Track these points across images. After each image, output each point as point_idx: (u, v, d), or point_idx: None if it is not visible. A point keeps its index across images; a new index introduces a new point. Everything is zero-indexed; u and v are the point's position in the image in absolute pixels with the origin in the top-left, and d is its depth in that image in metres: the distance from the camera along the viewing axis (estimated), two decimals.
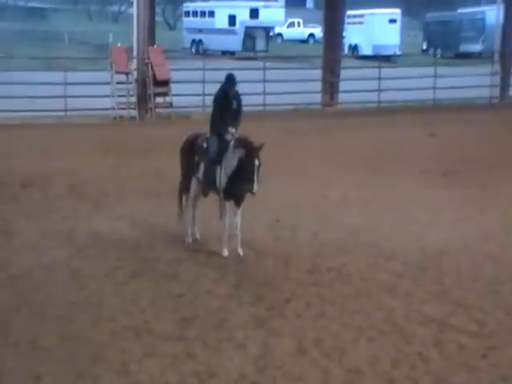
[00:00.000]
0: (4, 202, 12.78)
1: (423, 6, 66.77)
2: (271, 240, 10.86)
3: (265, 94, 24.58)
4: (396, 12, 50.78)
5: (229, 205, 10.00)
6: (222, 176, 9.89)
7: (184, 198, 10.63)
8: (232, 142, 9.85)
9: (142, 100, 23.26)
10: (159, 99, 23.74)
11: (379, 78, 26.44)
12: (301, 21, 61.53)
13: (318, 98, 25.89)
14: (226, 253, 10.00)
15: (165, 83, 23.50)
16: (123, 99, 23.33)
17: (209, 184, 10.14)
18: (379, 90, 26.28)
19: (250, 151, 9.49)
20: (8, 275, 9.37)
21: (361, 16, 48.46)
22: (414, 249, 10.51)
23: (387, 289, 9.05)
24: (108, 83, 23.27)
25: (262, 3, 51.86)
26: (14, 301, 8.59)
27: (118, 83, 23.37)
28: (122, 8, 70.20)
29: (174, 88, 23.49)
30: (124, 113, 23.22)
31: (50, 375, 6.91)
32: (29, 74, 24.05)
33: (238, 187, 9.79)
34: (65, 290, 8.95)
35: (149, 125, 22.65)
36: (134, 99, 23.35)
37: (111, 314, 8.24)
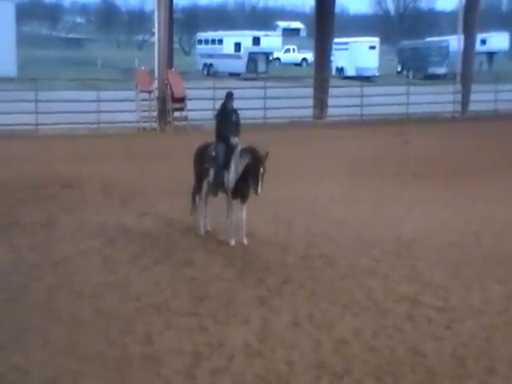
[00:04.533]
0: (47, 200, 12.77)
1: (398, 35, 66.76)
2: (271, 232, 10.83)
3: (265, 108, 24.54)
4: (375, 40, 50.61)
5: (235, 202, 10.01)
6: (229, 178, 9.90)
7: (197, 197, 10.61)
8: (238, 150, 9.83)
9: (162, 114, 23.19)
10: (176, 113, 23.65)
11: (361, 95, 26.36)
12: (295, 47, 61.41)
13: (309, 112, 25.81)
14: (233, 242, 9.97)
15: (181, 100, 23.42)
16: (146, 114, 23.29)
17: (218, 186, 10.15)
18: (361, 106, 26.20)
19: (257, 159, 9.49)
20: (51, 260, 9.39)
21: (346, 43, 48.24)
22: (391, 238, 10.49)
23: (368, 272, 9.03)
24: (133, 100, 23.26)
25: (262, 33, 51.84)
26: (56, 282, 8.61)
27: (142, 100, 23.33)
28: (146, 37, 70.10)
29: (189, 104, 23.45)
30: (147, 125, 23.18)
31: (86, 344, 6.92)
32: (68, 93, 24.04)
33: (243, 188, 9.81)
34: (98, 273, 8.96)
35: (168, 135, 22.60)
36: (155, 114, 23.30)
37: (136, 293, 8.24)
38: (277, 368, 6.51)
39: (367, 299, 8.09)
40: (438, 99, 26.46)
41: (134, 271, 9.00)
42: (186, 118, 23.77)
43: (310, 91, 26.45)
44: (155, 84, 23.40)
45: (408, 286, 8.54)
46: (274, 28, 69.09)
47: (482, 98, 27.06)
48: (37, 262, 9.34)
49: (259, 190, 9.44)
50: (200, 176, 10.44)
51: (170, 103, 23.11)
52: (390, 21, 79.53)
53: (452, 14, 50.16)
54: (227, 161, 9.91)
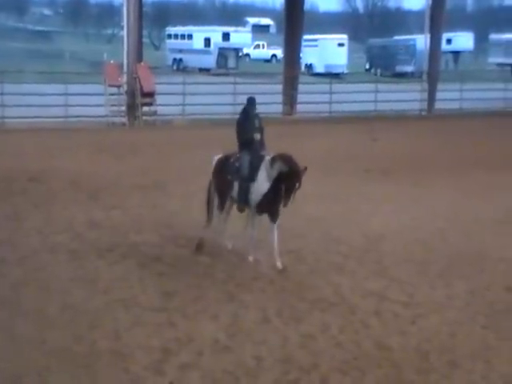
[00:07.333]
0: (14, 194, 12.60)
1: (366, 33, 67.24)
2: (241, 228, 10.79)
3: (235, 104, 24.49)
4: (344, 37, 50.91)
5: (259, 219, 9.14)
6: (255, 192, 8.94)
7: (220, 214, 9.47)
8: (268, 159, 8.91)
9: (131, 109, 23.01)
10: (146, 108, 23.50)
11: (330, 92, 26.52)
12: (265, 43, 61.42)
13: (279, 108, 25.86)
14: (251, 259, 9.14)
15: (150, 95, 23.27)
16: (115, 108, 23.09)
17: (243, 201, 9.17)
18: (330, 102, 26.35)
19: (294, 173, 8.63)
20: (18, 255, 9.26)
21: (315, 40, 48.40)
22: (359, 234, 10.57)
23: (336, 267, 9.09)
24: (102, 94, 23.04)
25: (232, 28, 51.79)
26: (22, 277, 8.50)
27: (111, 94, 23.13)
28: (115, 31, 69.33)
29: (159, 99, 23.31)
30: (115, 120, 22.99)
31: (53, 340, 6.85)
32: (35, 86, 23.68)
33: (274, 202, 8.85)
34: (65, 268, 8.86)
35: (137, 130, 22.43)
36: (124, 108, 23.12)
37: (105, 288, 8.19)
38: (245, 363, 6.52)
39: (335, 295, 8.15)
40: (405, 97, 26.74)
41: (102, 266, 8.93)
42: (155, 113, 23.64)
43: (279, 87, 26.50)
44: (124, 78, 23.21)
45: (375, 281, 8.62)
46: (244, 24, 68.99)
47: (448, 97, 27.41)
48: (3, 256, 9.21)
49: (289, 204, 8.69)
50: (223, 190, 9.32)
51: (139, 98, 22.95)
52: (358, 19, 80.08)
53: (419, 14, 50.67)
54: (253, 172, 8.94)
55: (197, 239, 9.53)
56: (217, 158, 9.55)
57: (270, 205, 8.90)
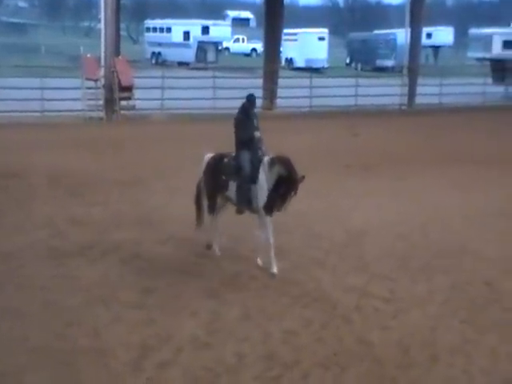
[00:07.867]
0: None
1: (347, 27, 67.43)
2: (224, 224, 10.80)
3: (214, 98, 24.48)
4: (324, 31, 50.94)
5: (270, 220, 8.69)
6: (259, 194, 8.60)
7: (210, 217, 9.21)
8: (267, 160, 8.63)
9: (109, 103, 22.84)
10: (123, 102, 23.34)
11: (311, 87, 26.57)
12: (245, 37, 61.30)
13: (259, 102, 25.78)
14: (275, 270, 8.62)
15: (128, 89, 23.13)
16: (92, 102, 22.92)
17: (243, 203, 8.81)
18: (311, 97, 26.41)
19: (292, 182, 8.36)
20: None
21: (295, 34, 48.40)
22: (340, 230, 10.62)
23: (317, 263, 9.14)
24: (79, 88, 22.87)
25: (212, 22, 51.57)
26: (2, 274, 8.44)
27: (88, 88, 22.96)
28: (92, 24, 68.79)
29: (137, 93, 23.20)
30: (93, 114, 22.82)
31: (33, 337, 6.82)
32: (11, 80, 23.43)
33: (276, 201, 8.51)
34: (45, 265, 8.81)
35: (114, 125, 22.28)
36: (101, 102, 22.95)
37: (84, 285, 8.16)
38: (226, 360, 6.54)
39: (316, 290, 8.19)
40: (385, 91, 26.88)
41: (82, 263, 8.89)
42: (133, 107, 23.51)
43: (259, 82, 26.48)
44: (102, 72, 23.03)
45: (356, 277, 8.67)
46: (224, 17, 68.72)
47: (428, 91, 27.59)
48: None
49: (283, 210, 8.49)
50: (214, 192, 8.99)
51: (116, 92, 22.80)
52: (339, 13, 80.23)
53: (399, 8, 50.92)
54: (254, 173, 8.61)
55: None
56: (209, 156, 9.26)
57: (275, 204, 8.55)
